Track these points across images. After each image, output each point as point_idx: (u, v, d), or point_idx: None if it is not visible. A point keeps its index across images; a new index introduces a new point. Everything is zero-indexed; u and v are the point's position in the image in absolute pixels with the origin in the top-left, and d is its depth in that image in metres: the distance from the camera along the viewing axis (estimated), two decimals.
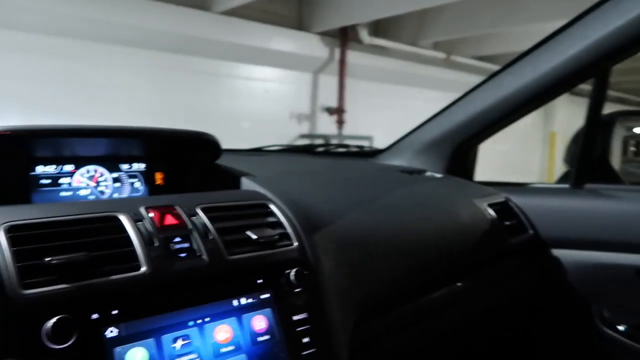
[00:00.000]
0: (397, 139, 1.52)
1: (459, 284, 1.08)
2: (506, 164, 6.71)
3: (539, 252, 1.30)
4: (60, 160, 0.88)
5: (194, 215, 0.72)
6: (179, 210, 0.71)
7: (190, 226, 0.69)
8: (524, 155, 8.62)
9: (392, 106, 6.41)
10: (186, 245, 0.66)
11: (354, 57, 5.65)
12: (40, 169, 0.86)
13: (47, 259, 0.56)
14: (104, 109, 3.69)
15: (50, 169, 0.88)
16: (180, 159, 1.02)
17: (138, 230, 0.65)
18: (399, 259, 0.93)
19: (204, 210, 0.74)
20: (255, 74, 5.07)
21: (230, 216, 0.75)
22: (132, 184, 0.96)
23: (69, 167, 0.89)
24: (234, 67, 4.87)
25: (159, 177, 1.00)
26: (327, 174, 1.17)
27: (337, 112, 5.61)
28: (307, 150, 1.58)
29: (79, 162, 0.91)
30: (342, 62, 5.60)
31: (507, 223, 1.23)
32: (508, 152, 6.98)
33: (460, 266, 1.10)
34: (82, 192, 0.91)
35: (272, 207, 0.81)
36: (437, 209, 1.12)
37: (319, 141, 5.50)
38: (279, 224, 0.78)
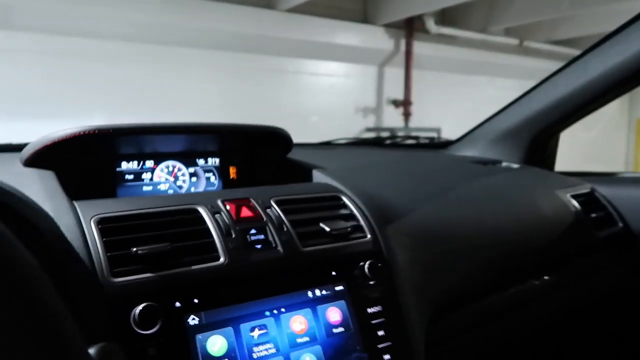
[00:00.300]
0: (470, 129, 1.46)
1: (539, 280, 1.02)
2: (588, 154, 6.29)
3: (630, 246, 1.20)
4: (142, 157, 0.93)
5: (269, 208, 0.73)
6: (254, 203, 0.72)
7: (265, 218, 0.70)
8: (607, 144, 8.04)
9: (460, 97, 6.21)
10: (261, 237, 0.67)
11: (420, 47, 5.52)
12: (125, 165, 0.91)
13: (134, 249, 0.59)
14: (178, 109, 3.86)
15: (134, 165, 0.92)
16: (253, 154, 1.04)
17: (216, 222, 0.67)
18: (475, 254, 0.89)
19: (278, 202, 0.74)
20: (320, 69, 5.10)
21: (303, 208, 0.76)
22: (207, 178, 0.99)
23: (150, 163, 0.94)
24: (300, 63, 4.92)
25: (232, 172, 1.03)
26: (399, 166, 1.15)
27: (404, 104, 5.52)
28: (376, 142, 1.56)
29: (159, 158, 0.95)
30: (408, 54, 5.49)
31: (594, 215, 1.14)
32: (590, 140, 6.54)
33: (541, 261, 1.03)
34: (162, 187, 0.95)
35: (345, 199, 0.80)
36: (515, 201, 1.06)
37: (386, 134, 5.44)
38: (352, 217, 0.78)
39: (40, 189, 0.67)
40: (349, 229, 0.74)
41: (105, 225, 0.62)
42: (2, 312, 0.31)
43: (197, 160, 0.99)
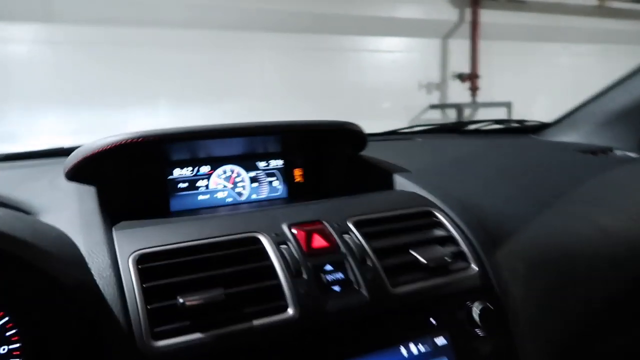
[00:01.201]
0: (570, 109, 1.21)
1: None
2: None
3: None
4: (196, 162, 0.80)
5: (346, 233, 0.57)
6: (327, 227, 0.57)
7: (343, 249, 0.54)
8: None
9: (533, 66, 5.70)
10: (340, 276, 0.52)
11: (487, 16, 5.08)
12: (177, 172, 0.79)
13: (180, 300, 0.45)
14: (239, 94, 3.78)
15: (187, 171, 0.79)
16: (320, 153, 0.88)
17: (282, 257, 0.52)
18: (606, 276, 0.69)
19: (357, 224, 0.58)
20: (381, 45, 4.83)
21: (389, 231, 0.59)
22: (270, 182, 0.85)
23: (205, 169, 0.80)
24: (360, 40, 4.68)
25: (297, 174, 0.87)
26: (491, 161, 0.94)
27: (470, 78, 5.13)
28: (454, 129, 1.35)
29: (215, 163, 0.81)
30: (475, 23, 5.07)
31: None
32: None
33: None
34: (220, 195, 0.81)
35: (440, 216, 0.63)
36: None
37: (451, 111, 5.12)
38: (450, 239, 0.60)
39: (76, 215, 0.55)
40: (449, 258, 0.57)
41: (146, 264, 0.48)
42: None
43: (257, 163, 0.84)
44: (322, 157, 0.88)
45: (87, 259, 0.47)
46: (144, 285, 0.46)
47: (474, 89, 5.15)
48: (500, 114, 4.99)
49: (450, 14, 4.97)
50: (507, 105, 4.96)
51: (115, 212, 0.71)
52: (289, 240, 0.54)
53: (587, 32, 5.73)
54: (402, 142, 1.17)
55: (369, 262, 0.54)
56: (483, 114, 5.27)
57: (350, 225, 0.58)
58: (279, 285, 0.49)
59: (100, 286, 0.44)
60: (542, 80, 5.11)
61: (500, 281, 0.57)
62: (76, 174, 0.67)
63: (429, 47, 5.29)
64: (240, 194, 0.83)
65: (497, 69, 5.54)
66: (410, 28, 4.87)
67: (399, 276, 0.54)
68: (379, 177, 0.79)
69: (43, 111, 3.01)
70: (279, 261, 0.51)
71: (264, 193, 0.84)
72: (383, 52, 4.85)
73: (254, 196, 0.84)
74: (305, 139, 0.82)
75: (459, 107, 4.95)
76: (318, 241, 0.54)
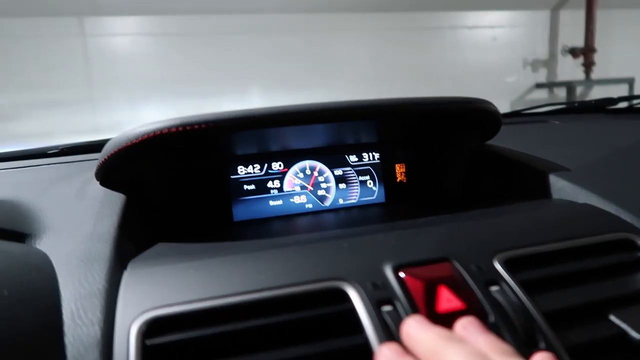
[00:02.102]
0: None
1: None
2: None
3: None
4: (266, 157, 0.59)
5: (494, 283, 0.32)
6: (460, 271, 0.32)
7: (492, 317, 0.30)
8: None
9: None
10: None
11: None
12: (242, 171, 0.59)
13: None
14: (330, 79, 3.59)
15: (255, 169, 0.59)
16: (430, 143, 0.63)
17: (386, 330, 0.29)
18: None
19: (511, 265, 0.33)
20: (481, 21, 4.36)
21: (565, 278, 0.34)
22: (362, 183, 0.62)
23: (277, 166, 0.60)
24: (458, 16, 4.25)
25: (399, 171, 0.64)
26: None
27: (584, 52, 4.47)
28: (599, 108, 1.02)
29: (291, 158, 0.60)
30: None
31: None
32: None
33: None
34: (297, 200, 0.60)
35: None
36: None
37: (560, 90, 4.52)
38: None
39: (82, 242, 0.37)
40: None
41: (155, 340, 0.28)
42: None
43: (346, 157, 0.62)
44: (433, 148, 0.63)
45: (65, 329, 0.28)
46: None
47: (588, 65, 4.49)
48: (619, 92, 4.29)
49: None
50: (630, 81, 4.25)
51: (159, 226, 0.52)
52: (397, 297, 0.31)
53: None
54: (531, 125, 0.88)
55: (540, 342, 0.29)
56: (598, 92, 4.59)
57: (501, 268, 0.33)
58: None
59: None
60: None
61: None
62: (108, 176, 0.49)
63: (535, 20, 4.71)
64: (323, 198, 0.61)
65: (616, 41, 4.80)
66: (514, 0, 4.34)
67: None
68: (521, 177, 0.53)
69: (144, 101, 3.06)
70: (380, 338, 0.28)
71: (354, 197, 0.62)
72: (483, 27, 4.38)
73: (340, 201, 0.61)
74: (413, 123, 0.58)
75: (569, 85, 4.33)
76: (448, 299, 0.30)
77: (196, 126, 0.44)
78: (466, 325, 0.27)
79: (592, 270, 0.35)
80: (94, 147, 0.75)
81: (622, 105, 1.03)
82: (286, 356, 0.28)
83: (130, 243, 0.40)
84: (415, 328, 0.27)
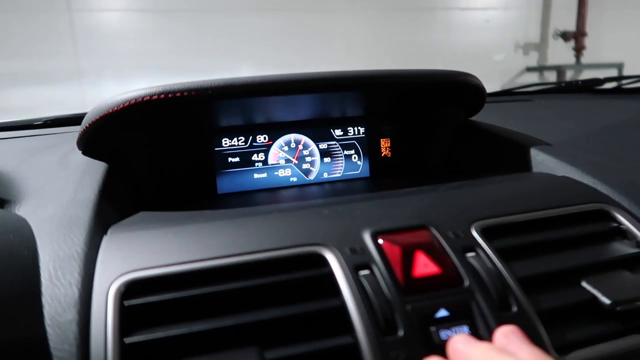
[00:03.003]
0: None
1: None
2: None
3: None
4: (251, 130, 0.59)
5: (471, 249, 0.33)
6: (438, 238, 0.33)
7: (467, 280, 0.31)
8: None
9: None
10: (464, 331, 0.28)
11: None
12: (226, 143, 0.58)
13: None
14: (320, 58, 3.55)
15: (239, 141, 0.59)
16: (415, 117, 0.63)
17: (362, 294, 0.29)
18: None
19: (488, 233, 0.34)
20: (474, 3, 4.32)
21: (541, 245, 0.34)
22: (347, 157, 0.62)
23: (262, 139, 0.59)
24: None
25: (384, 146, 0.64)
26: None
27: (576, 36, 4.46)
28: (585, 88, 1.02)
29: (276, 131, 0.60)
30: None
31: None
32: None
33: None
34: (281, 173, 0.60)
35: (621, 217, 0.37)
36: None
37: (550, 73, 4.52)
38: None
39: (63, 207, 0.36)
40: None
41: (133, 299, 0.28)
42: None
43: (331, 131, 0.61)
44: (418, 123, 0.63)
45: (42, 290, 0.28)
46: (124, 341, 0.26)
47: (579, 49, 4.48)
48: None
49: None
50: (619, 66, 4.26)
51: (143, 197, 0.52)
52: (374, 262, 0.31)
53: None
54: (518, 104, 0.88)
55: (513, 305, 0.30)
56: (588, 76, 4.59)
57: (477, 236, 0.33)
58: (356, 346, 0.27)
59: (51, 344, 0.25)
60: None
61: None
62: (89, 144, 0.49)
63: (528, 3, 4.68)
64: (307, 171, 0.61)
65: (608, 25, 4.80)
66: None
67: (567, 331, 0.30)
68: (504, 151, 0.53)
69: (133, 77, 3.01)
70: (357, 301, 0.28)
71: (338, 171, 0.62)
72: (475, 9, 4.35)
73: (325, 174, 0.61)
74: (401, 96, 0.57)
75: (559, 69, 4.33)
76: (424, 264, 0.31)
77: (178, 94, 0.43)
78: (508, 334, 0.27)
79: (567, 240, 0.36)
80: (79, 119, 0.74)
81: (610, 85, 1.03)
82: (264, 317, 0.28)
83: (112, 210, 0.39)
84: (462, 344, 0.27)
